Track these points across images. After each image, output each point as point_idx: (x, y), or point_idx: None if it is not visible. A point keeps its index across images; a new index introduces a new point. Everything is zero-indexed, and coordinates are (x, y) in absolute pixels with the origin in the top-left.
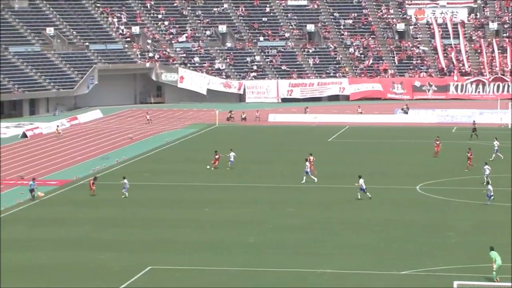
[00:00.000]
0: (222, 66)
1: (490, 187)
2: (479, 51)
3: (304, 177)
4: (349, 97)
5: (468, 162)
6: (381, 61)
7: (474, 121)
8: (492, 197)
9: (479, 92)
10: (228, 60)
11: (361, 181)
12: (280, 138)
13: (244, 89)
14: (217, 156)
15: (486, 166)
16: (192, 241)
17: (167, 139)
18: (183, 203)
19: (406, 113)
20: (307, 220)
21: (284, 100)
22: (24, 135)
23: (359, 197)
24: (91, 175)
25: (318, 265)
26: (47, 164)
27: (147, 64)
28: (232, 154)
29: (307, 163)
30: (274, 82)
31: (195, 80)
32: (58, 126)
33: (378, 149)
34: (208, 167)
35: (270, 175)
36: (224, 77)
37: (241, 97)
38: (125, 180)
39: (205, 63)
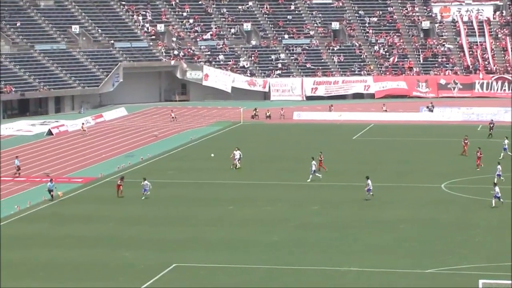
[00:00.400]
0: (246, 64)
1: (496, 188)
2: (504, 49)
3: (311, 176)
4: (374, 95)
5: (477, 162)
6: (406, 59)
7: (492, 120)
8: (498, 198)
9: (504, 90)
10: (252, 58)
11: (369, 182)
12: (304, 136)
13: (269, 87)
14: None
15: (498, 166)
16: (216, 239)
17: (191, 136)
18: (208, 201)
19: (431, 111)
20: (331, 218)
21: (309, 98)
22: (50, 133)
23: (367, 197)
24: (116, 173)
25: (342, 263)
26: (72, 161)
27: (172, 62)
28: (238, 152)
29: (314, 162)
30: (299, 80)
31: (219, 78)
32: (83, 123)
33: (403, 147)
34: (233, 166)
35: (294, 173)
36: (248, 75)
37: (265, 95)
38: (146, 182)
39: (229, 61)
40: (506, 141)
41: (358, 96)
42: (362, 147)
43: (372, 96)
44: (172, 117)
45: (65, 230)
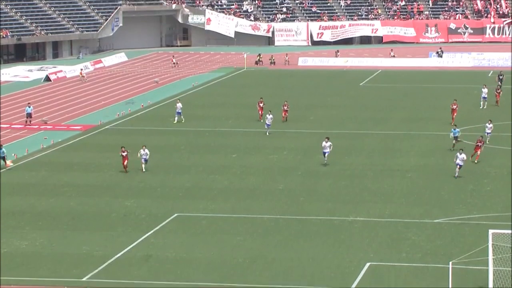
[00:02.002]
0: (250, 8)
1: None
2: None
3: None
4: (382, 39)
5: (476, 150)
6: (415, 2)
7: (501, 72)
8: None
9: None
10: (256, 1)
11: (327, 144)
12: (310, 82)
13: (273, 32)
14: (261, 105)
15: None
16: (219, 188)
17: (194, 83)
18: (210, 150)
19: (441, 56)
20: (338, 167)
21: (315, 43)
22: (48, 79)
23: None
24: (116, 120)
25: (349, 213)
26: (70, 108)
27: (173, 6)
28: (179, 105)
29: (268, 116)
30: (304, 25)
31: (222, 23)
32: (82, 69)
33: (411, 94)
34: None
35: (299, 121)
36: (252, 19)
37: (270, 40)
38: (146, 150)
39: (233, 5)
40: (485, 90)
41: (365, 40)
42: (369, 94)
43: (379, 40)
44: (174, 63)
45: (64, 178)
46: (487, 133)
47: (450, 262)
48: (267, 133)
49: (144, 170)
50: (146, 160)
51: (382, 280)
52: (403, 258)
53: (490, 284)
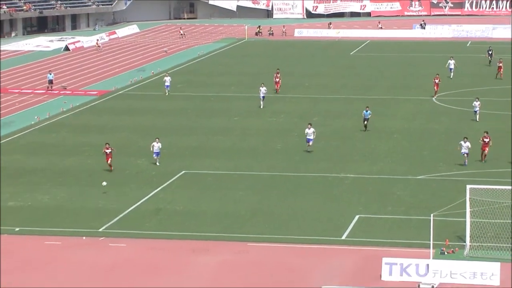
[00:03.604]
0: None
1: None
2: None
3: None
4: (370, 14)
5: (483, 149)
6: None
7: (490, 47)
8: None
9: (492, 8)
10: None
11: (310, 130)
12: (305, 52)
13: (272, 6)
14: (277, 80)
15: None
16: (223, 148)
17: (199, 52)
18: (214, 113)
19: (424, 28)
20: (330, 128)
21: (309, 16)
22: (67, 48)
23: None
24: (128, 86)
25: (340, 171)
26: (88, 75)
27: None
28: (167, 78)
29: (262, 88)
30: (300, 0)
31: None
32: (98, 40)
33: (397, 63)
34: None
35: (295, 87)
36: None
37: (268, 13)
38: (159, 143)
39: None
40: (452, 61)
41: (355, 14)
42: (359, 63)
43: (368, 15)
44: (181, 34)
45: (81, 139)
46: (475, 111)
47: (432, 215)
48: (261, 107)
49: (158, 163)
50: (158, 154)
51: (370, 231)
52: (389, 211)
53: (467, 233)
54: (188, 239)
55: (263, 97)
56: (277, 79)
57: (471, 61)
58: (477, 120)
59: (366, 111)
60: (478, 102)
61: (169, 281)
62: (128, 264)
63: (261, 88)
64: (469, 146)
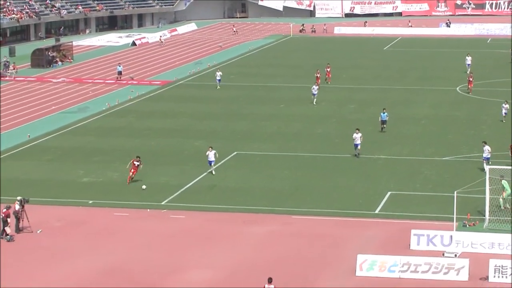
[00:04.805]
0: None
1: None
2: None
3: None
4: (401, 14)
5: None
6: None
7: None
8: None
9: (510, 8)
10: None
11: (357, 135)
12: (343, 47)
13: (314, 6)
14: (328, 70)
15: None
16: (270, 132)
17: (250, 47)
18: (263, 101)
19: (449, 26)
20: (366, 115)
21: (347, 15)
22: (134, 44)
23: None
24: (188, 77)
25: (374, 152)
26: (152, 67)
27: None
28: (219, 73)
29: (315, 86)
30: (339, 1)
31: None
32: (161, 36)
33: (425, 57)
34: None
35: (334, 78)
36: None
37: (311, 13)
38: (213, 151)
39: None
40: (469, 58)
41: (388, 14)
42: (391, 57)
43: (399, 14)
44: (234, 31)
45: (146, 123)
46: (505, 113)
47: (455, 192)
48: (314, 103)
49: (213, 173)
50: (211, 163)
51: (400, 206)
52: (417, 188)
53: (487, 208)
54: (239, 212)
55: (315, 94)
56: (328, 70)
57: (490, 55)
58: (504, 121)
59: (383, 113)
60: (507, 105)
61: (223, 248)
62: (187, 233)
63: (314, 86)
64: (489, 149)
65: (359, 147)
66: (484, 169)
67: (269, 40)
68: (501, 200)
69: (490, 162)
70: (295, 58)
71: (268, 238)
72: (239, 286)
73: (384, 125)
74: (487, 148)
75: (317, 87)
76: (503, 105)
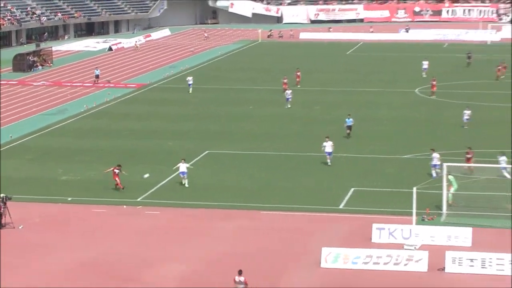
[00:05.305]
0: None
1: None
2: None
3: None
4: (363, 20)
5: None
6: None
7: (469, 51)
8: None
9: (465, 15)
10: None
11: (326, 143)
12: (309, 51)
13: (281, 13)
14: (298, 74)
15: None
16: (240, 132)
17: (220, 52)
18: (232, 102)
19: (408, 32)
20: (331, 116)
21: (313, 21)
22: (110, 49)
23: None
24: (162, 80)
25: (338, 150)
26: (127, 71)
27: None
28: (190, 78)
29: (288, 91)
30: (305, 8)
31: (242, 6)
32: (136, 41)
33: (386, 60)
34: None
35: (301, 82)
36: (265, 3)
37: (278, 19)
38: (185, 164)
39: None
40: (425, 62)
41: (351, 21)
42: (354, 61)
43: (361, 20)
44: (205, 37)
45: (122, 124)
46: (466, 119)
47: (414, 188)
48: (288, 106)
49: (187, 185)
50: (183, 174)
51: (363, 201)
52: (379, 185)
53: (444, 203)
54: (211, 207)
55: (288, 99)
56: (298, 74)
57: (447, 59)
58: (466, 127)
59: (348, 118)
60: (469, 111)
61: (195, 242)
62: (161, 228)
63: (287, 91)
64: (438, 156)
65: (331, 156)
66: (433, 176)
67: (239, 45)
68: (449, 195)
69: (439, 169)
70: (263, 62)
71: (238, 232)
72: (211, 278)
73: (350, 130)
74: (435, 155)
75: (291, 91)
76: (465, 111)
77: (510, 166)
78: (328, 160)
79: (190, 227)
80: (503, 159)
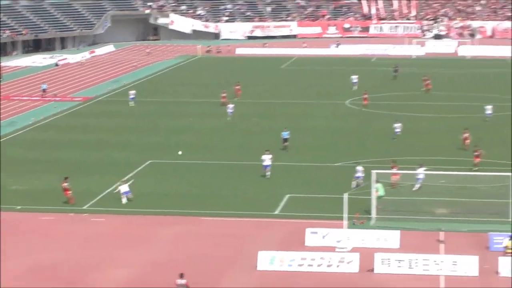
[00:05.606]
0: (202, 12)
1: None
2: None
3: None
4: (296, 36)
5: (465, 142)
6: (320, 9)
7: (396, 65)
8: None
9: (392, 31)
10: (207, 7)
11: (268, 156)
12: (245, 66)
13: (219, 29)
14: (238, 87)
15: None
16: (181, 142)
17: (162, 66)
18: (173, 115)
19: (338, 47)
20: (266, 127)
21: (249, 37)
22: (56, 64)
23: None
24: (106, 93)
25: (275, 159)
26: (73, 85)
27: (147, 11)
28: (132, 92)
29: (230, 105)
30: (241, 24)
31: (182, 23)
32: (82, 57)
33: (318, 74)
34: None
35: (242, 94)
36: (204, 20)
37: (216, 35)
38: (126, 184)
39: (190, 10)
40: (355, 76)
41: (285, 37)
42: (289, 74)
43: (295, 36)
44: (147, 52)
45: (68, 136)
46: (397, 132)
47: (345, 194)
48: (229, 119)
49: (124, 202)
50: (125, 193)
51: (297, 207)
52: (312, 191)
53: (373, 208)
54: (154, 214)
55: (231, 112)
56: (238, 87)
57: (375, 72)
58: (395, 139)
59: (285, 131)
60: (399, 124)
61: (138, 248)
62: (106, 234)
63: (229, 105)
64: (362, 169)
65: (268, 168)
66: (352, 186)
67: (179, 60)
68: (377, 200)
69: (361, 180)
70: (202, 77)
71: (180, 238)
72: (154, 281)
73: (286, 143)
74: (359, 168)
75: (233, 105)
76: (395, 124)
77: (423, 177)
78: (267, 173)
79: (134, 233)
80: (421, 170)
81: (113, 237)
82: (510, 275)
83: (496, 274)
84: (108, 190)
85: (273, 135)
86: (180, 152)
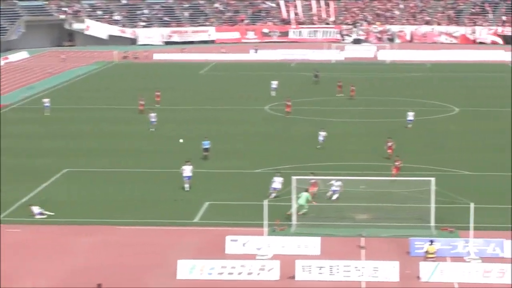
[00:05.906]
0: (119, 18)
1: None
2: (309, 6)
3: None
4: (214, 41)
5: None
6: (239, 13)
7: (317, 70)
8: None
9: (311, 36)
10: (124, 13)
11: (188, 168)
12: (163, 71)
13: (136, 35)
14: (158, 94)
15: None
16: (97, 149)
17: (77, 73)
18: (89, 121)
19: (257, 52)
20: (185, 132)
21: (167, 43)
22: None
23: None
24: (21, 100)
25: (196, 167)
26: None
27: (61, 16)
28: (46, 100)
29: (151, 113)
30: (159, 29)
31: (98, 28)
32: None
33: (237, 79)
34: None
35: (163, 102)
36: (121, 26)
37: (133, 41)
38: (37, 206)
39: (106, 15)
40: (275, 82)
41: (203, 42)
42: (207, 80)
43: (213, 41)
44: (62, 59)
45: None
46: (321, 140)
47: (265, 200)
48: (152, 130)
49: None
50: (38, 214)
51: (217, 214)
52: (232, 198)
53: (294, 214)
54: (70, 224)
55: (153, 122)
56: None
57: (295, 78)
58: (319, 147)
59: (205, 140)
60: (324, 132)
61: (55, 258)
62: (21, 245)
63: (151, 114)
64: (281, 180)
65: (188, 179)
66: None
67: (95, 66)
68: (296, 207)
69: (277, 193)
70: (119, 83)
71: (97, 247)
72: None
73: (207, 152)
74: (276, 179)
75: (155, 114)
76: (320, 132)
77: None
78: (187, 185)
79: (50, 243)
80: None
81: (29, 248)
82: (430, 280)
83: (417, 279)
84: (23, 200)
85: (191, 141)
86: (181, 140)
